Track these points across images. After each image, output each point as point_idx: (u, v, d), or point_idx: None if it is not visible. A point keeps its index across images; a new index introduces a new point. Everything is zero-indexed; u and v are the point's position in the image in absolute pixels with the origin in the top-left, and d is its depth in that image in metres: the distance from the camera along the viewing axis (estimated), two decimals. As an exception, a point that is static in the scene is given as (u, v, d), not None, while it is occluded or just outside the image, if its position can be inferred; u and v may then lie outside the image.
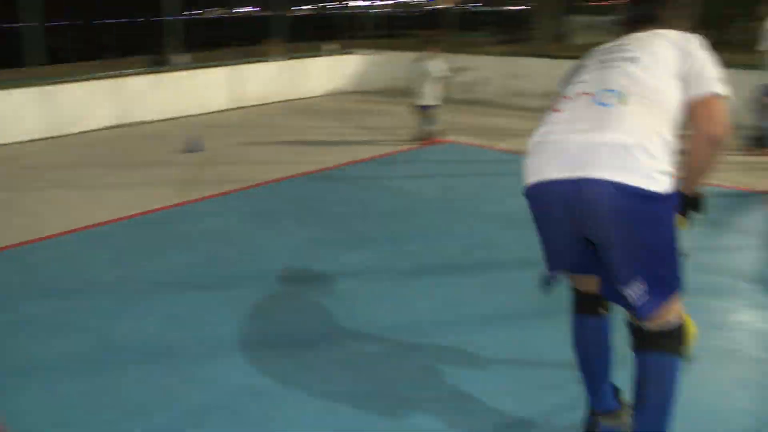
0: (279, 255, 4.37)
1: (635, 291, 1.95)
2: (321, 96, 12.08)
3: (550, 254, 2.20)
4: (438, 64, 7.89)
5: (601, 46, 2.29)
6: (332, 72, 12.55)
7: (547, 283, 2.25)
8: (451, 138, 8.08)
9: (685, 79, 2.03)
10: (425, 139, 7.89)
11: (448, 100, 10.83)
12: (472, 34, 26.56)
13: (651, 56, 2.07)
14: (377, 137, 8.19)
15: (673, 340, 2.01)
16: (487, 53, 13.24)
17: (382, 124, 8.90)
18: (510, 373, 2.92)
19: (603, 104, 1.99)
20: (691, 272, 3.14)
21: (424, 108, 7.91)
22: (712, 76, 2.03)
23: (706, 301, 3.57)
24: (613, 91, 2.01)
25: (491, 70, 11.51)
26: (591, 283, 2.23)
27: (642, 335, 2.04)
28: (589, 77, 2.12)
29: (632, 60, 2.07)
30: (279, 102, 11.29)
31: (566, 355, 2.46)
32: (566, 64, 9.01)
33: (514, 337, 3.25)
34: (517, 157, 7.25)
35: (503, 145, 7.82)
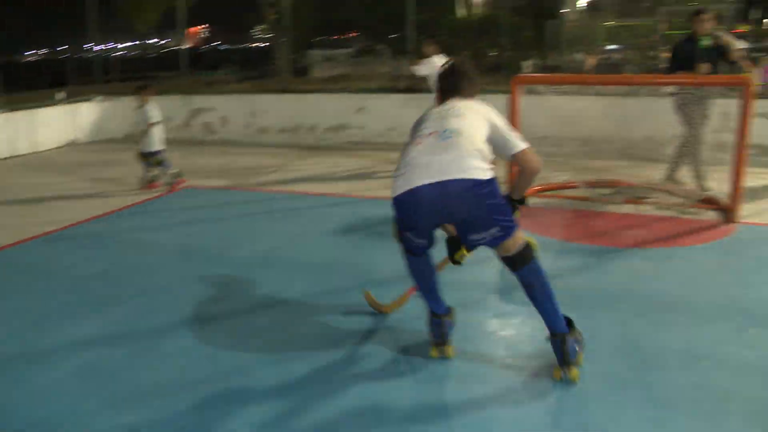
0: (4, 334, 3.93)
1: (492, 233, 3.10)
2: (55, 149, 11.22)
3: (412, 231, 3.27)
4: (153, 108, 7.71)
5: (434, 109, 3.41)
6: (67, 122, 11.67)
7: (417, 250, 3.36)
8: (195, 182, 7.92)
9: (494, 139, 3.22)
10: (155, 185, 7.66)
11: (191, 143, 10.63)
12: (215, 72, 26.38)
13: (469, 114, 3.25)
14: (116, 189, 7.76)
15: (528, 254, 3.17)
16: (231, 92, 13.23)
17: (122, 175, 8.44)
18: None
19: (446, 138, 3.13)
20: (447, 291, 3.51)
21: (149, 154, 7.68)
22: (514, 138, 3.26)
23: (461, 317, 3.78)
24: (450, 130, 3.15)
25: (233, 109, 11.48)
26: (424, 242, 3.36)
27: (511, 260, 3.17)
28: (434, 125, 3.24)
29: (457, 115, 3.24)
30: (5, 159, 10.29)
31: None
32: (307, 98, 9.36)
33: (282, 376, 3.23)
34: (265, 195, 7.49)
35: (249, 185, 7.81)
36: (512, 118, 6.21)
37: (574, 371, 3.16)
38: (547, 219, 5.96)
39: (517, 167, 3.33)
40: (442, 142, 3.11)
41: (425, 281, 3.47)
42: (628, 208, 6.20)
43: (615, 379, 3.16)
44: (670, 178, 6.81)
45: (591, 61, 14.28)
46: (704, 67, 6.45)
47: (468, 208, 3.06)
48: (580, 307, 3.97)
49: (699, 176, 6.61)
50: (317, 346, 3.60)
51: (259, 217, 6.40)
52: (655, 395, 3.01)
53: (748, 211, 5.94)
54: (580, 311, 3.88)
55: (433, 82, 7.86)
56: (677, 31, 12.54)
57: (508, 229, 3.11)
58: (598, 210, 6.21)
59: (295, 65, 29.03)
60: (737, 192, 5.72)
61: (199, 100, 11.76)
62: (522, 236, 3.18)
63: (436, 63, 7.82)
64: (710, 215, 5.95)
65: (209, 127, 11.60)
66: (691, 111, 6.45)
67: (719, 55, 6.55)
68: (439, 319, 3.46)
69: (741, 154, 5.68)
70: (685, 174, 6.77)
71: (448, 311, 3.54)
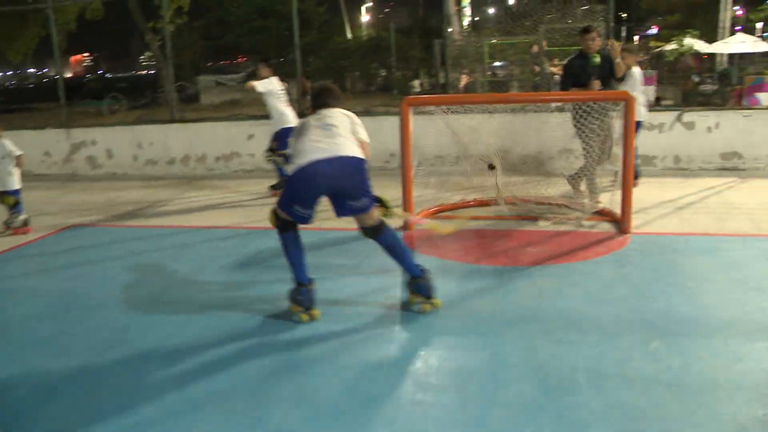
0: None
1: (364, 202, 4.10)
2: None
3: (303, 203, 4.07)
4: (6, 144, 7.09)
5: (312, 116, 4.32)
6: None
7: (303, 221, 4.16)
8: (79, 220, 7.45)
9: (354, 132, 4.23)
10: (20, 228, 7.05)
11: (75, 179, 10.09)
12: (101, 102, 25.28)
13: (337, 115, 4.27)
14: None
15: (383, 225, 4.22)
16: (115, 123, 12.65)
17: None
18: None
19: (329, 128, 4.14)
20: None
21: (7, 193, 7.06)
22: (364, 133, 4.30)
23: (349, 362, 3.63)
24: (330, 124, 4.16)
25: (118, 141, 10.93)
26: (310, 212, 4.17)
27: (373, 229, 4.21)
28: (316, 123, 4.19)
29: (331, 116, 4.24)
30: None
31: None
32: (196, 127, 8.98)
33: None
34: (155, 231, 7.08)
35: (138, 221, 7.40)
36: (404, 139, 6.15)
37: (436, 301, 4.25)
38: (445, 241, 5.88)
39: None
40: (327, 131, 4.12)
41: (297, 255, 4.26)
42: (525, 225, 6.25)
43: (527, 406, 3.08)
44: (575, 189, 6.87)
45: (464, 79, 14.57)
46: (596, 83, 6.60)
47: (351, 178, 4.05)
48: (486, 331, 3.92)
49: (593, 189, 6.73)
50: (216, 402, 3.35)
51: (149, 255, 6.03)
52: (569, 419, 2.95)
53: (639, 221, 6.11)
54: (487, 336, 3.85)
55: (270, 100, 8.11)
56: (556, 48, 12.97)
57: (373, 201, 4.18)
58: (496, 229, 6.21)
59: (185, 92, 28.37)
60: (628, 203, 5.85)
61: (82, 133, 11.16)
62: (377, 212, 4.26)
63: (273, 83, 8.12)
64: (605, 227, 6.06)
65: (93, 161, 11.03)
66: (587, 125, 6.50)
67: (610, 70, 6.72)
68: (306, 288, 4.26)
69: (628, 166, 5.81)
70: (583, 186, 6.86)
71: (311, 281, 4.31)
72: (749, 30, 28.65)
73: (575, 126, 6.64)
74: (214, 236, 6.52)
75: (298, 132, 4.27)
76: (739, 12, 30.83)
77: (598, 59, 6.71)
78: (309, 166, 3.97)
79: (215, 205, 8.07)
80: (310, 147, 4.02)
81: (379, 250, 4.29)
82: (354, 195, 4.07)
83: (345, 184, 4.04)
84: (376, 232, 4.20)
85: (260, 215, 7.22)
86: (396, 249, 4.23)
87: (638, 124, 7.68)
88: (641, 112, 7.74)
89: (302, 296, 4.23)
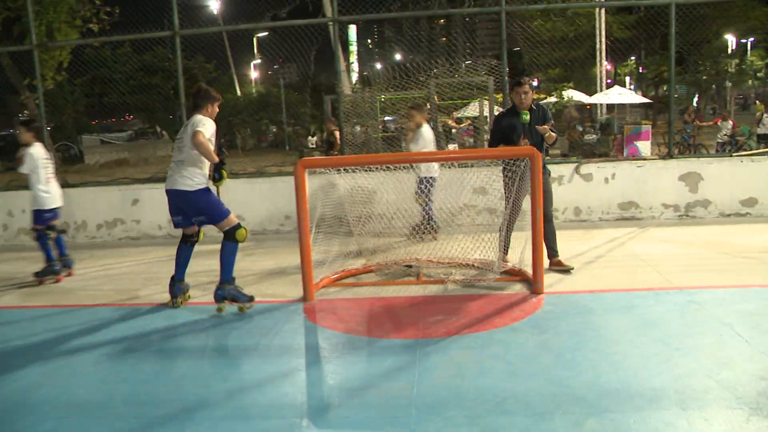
0: None
1: (201, 219, 5.58)
2: None
3: (172, 213, 5.64)
4: None
5: (186, 124, 5.60)
6: None
7: (176, 226, 5.78)
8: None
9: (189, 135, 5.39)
10: None
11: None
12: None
13: (187, 138, 5.41)
14: None
15: (230, 234, 5.53)
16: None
17: None
18: None
19: (179, 164, 5.47)
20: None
21: None
22: (197, 127, 5.33)
23: None
24: (179, 160, 5.48)
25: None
26: (189, 230, 5.76)
27: (224, 234, 5.56)
28: (175, 154, 5.54)
29: (185, 145, 5.44)
30: None
31: None
32: (74, 193, 8.02)
33: None
34: (23, 313, 6.25)
35: (7, 301, 6.57)
36: (300, 203, 5.73)
37: (221, 307, 5.60)
38: (349, 313, 5.47)
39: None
40: (175, 167, 5.49)
41: (183, 261, 5.80)
42: (433, 289, 5.92)
43: None
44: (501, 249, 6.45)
45: (338, 136, 14.39)
46: (524, 142, 6.13)
47: (184, 204, 5.51)
48: (405, 420, 3.51)
49: (505, 247, 6.37)
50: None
51: (14, 344, 5.25)
52: None
53: (551, 279, 5.91)
54: (406, 427, 3.44)
55: (33, 174, 7.04)
56: (447, 102, 13.14)
57: (214, 219, 5.53)
58: (402, 294, 5.85)
59: (69, 152, 26.92)
60: (539, 262, 5.62)
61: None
62: (231, 222, 5.51)
63: (37, 153, 7.10)
64: (517, 288, 5.81)
65: (-44, 233, 9.96)
66: (511, 183, 6.16)
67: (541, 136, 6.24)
68: (173, 282, 5.82)
69: (538, 223, 5.60)
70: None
71: (183, 279, 5.84)
72: (619, 83, 30.45)
73: (503, 182, 6.32)
74: (95, 316, 5.80)
75: (174, 148, 5.69)
76: (609, 67, 32.71)
77: (527, 116, 6.10)
78: (166, 191, 5.57)
79: (97, 279, 7.31)
80: (168, 177, 5.56)
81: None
82: (192, 213, 5.57)
83: (184, 207, 5.55)
84: (225, 236, 5.54)
85: (147, 290, 6.57)
86: (224, 256, 5.57)
87: (432, 180, 7.91)
88: (434, 167, 7.94)
89: (175, 288, 5.83)
